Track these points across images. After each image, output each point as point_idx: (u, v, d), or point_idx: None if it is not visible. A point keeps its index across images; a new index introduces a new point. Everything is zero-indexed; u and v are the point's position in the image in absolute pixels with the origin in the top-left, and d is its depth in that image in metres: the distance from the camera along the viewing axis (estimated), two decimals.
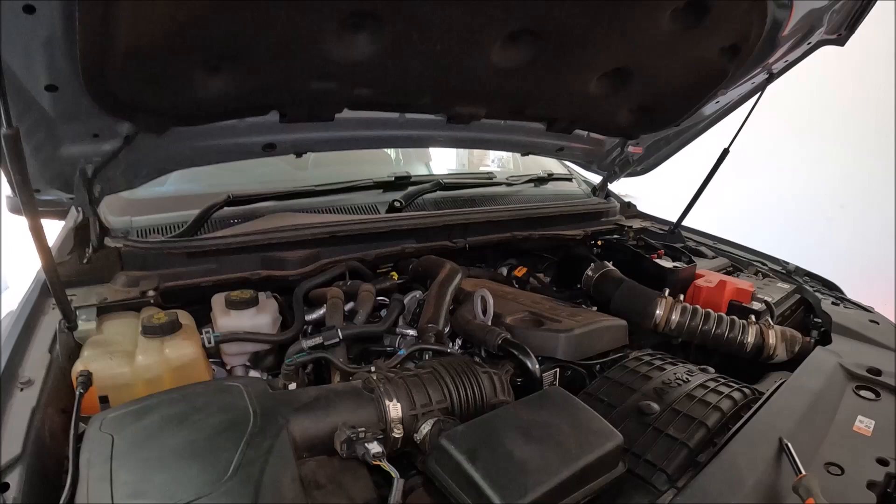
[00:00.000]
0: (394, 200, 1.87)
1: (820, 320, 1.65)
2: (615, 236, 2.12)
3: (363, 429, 0.89)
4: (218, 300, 1.33)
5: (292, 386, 1.12)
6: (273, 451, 0.80)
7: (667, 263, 1.81)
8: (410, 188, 1.97)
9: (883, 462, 0.96)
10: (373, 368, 1.11)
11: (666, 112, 1.92)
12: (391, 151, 2.64)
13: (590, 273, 1.76)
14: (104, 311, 1.25)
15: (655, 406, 1.09)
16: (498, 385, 1.09)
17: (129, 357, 1.06)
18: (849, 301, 1.78)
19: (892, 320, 1.62)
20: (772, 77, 1.83)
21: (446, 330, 1.32)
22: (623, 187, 2.66)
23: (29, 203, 0.92)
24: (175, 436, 0.80)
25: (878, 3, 1.55)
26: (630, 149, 2.26)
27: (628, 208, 2.49)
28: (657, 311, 1.51)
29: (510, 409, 0.98)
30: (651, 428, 1.04)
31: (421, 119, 1.70)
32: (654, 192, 3.39)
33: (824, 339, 1.52)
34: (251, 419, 0.85)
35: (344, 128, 1.59)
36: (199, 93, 1.19)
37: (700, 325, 1.48)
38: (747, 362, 1.48)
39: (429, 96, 1.53)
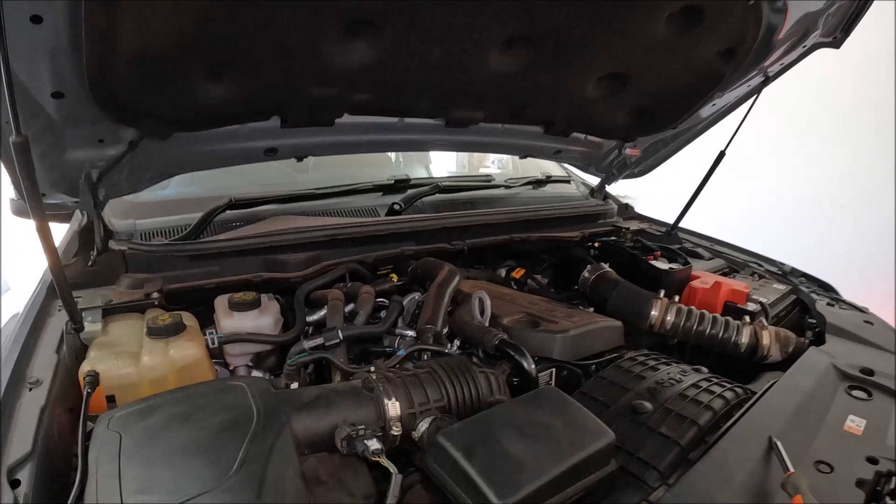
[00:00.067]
0: (393, 203, 1.88)
1: (815, 321, 1.66)
2: (612, 238, 2.13)
3: (363, 426, 0.91)
4: (221, 302, 1.35)
5: (294, 385, 1.14)
6: (276, 447, 0.82)
7: (662, 265, 1.82)
8: (410, 191, 1.98)
9: (872, 461, 0.97)
10: (372, 368, 1.13)
11: (663, 114, 1.94)
12: (391, 154, 2.65)
13: (586, 274, 1.78)
14: (109, 312, 1.27)
15: (648, 405, 1.10)
16: (494, 385, 1.11)
17: (135, 358, 1.08)
18: (844, 302, 1.79)
19: (893, 320, 1.62)
20: (768, 80, 1.85)
21: (444, 331, 1.34)
22: (622, 188, 2.66)
23: (37, 207, 0.93)
24: (181, 433, 0.82)
25: (877, 3, 1.55)
26: (627, 151, 2.27)
27: (626, 210, 2.50)
28: (652, 312, 1.53)
29: (506, 407, 0.99)
30: (644, 426, 1.06)
31: (420, 123, 1.72)
32: (654, 193, 3.40)
33: (819, 340, 1.53)
34: (254, 417, 0.86)
35: (344, 132, 1.61)
36: (201, 99, 1.21)
37: (694, 325, 1.50)
38: (742, 363, 1.49)
39: (427, 101, 1.55)
